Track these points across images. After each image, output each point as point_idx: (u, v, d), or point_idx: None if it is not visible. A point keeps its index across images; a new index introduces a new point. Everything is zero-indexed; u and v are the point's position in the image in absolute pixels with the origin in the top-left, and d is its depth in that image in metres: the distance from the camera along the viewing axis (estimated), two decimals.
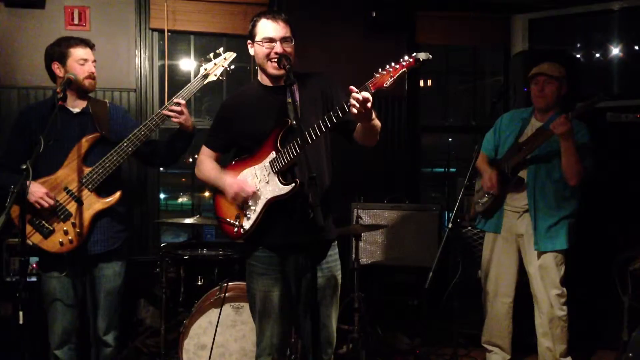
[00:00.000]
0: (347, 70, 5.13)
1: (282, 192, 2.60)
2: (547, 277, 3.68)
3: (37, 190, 2.87)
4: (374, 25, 5.26)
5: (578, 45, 5.36)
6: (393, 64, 2.36)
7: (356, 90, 2.38)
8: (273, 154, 2.63)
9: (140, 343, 4.25)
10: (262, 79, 2.76)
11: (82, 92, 3.06)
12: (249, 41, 2.73)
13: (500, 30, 5.51)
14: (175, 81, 5.27)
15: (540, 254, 3.69)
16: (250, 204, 2.67)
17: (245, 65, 5.32)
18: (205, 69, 3.13)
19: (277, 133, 2.63)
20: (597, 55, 5.31)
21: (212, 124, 2.91)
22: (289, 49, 2.63)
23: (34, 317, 2.90)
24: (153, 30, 4.99)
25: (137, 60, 4.93)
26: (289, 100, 2.58)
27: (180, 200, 8.34)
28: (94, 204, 2.98)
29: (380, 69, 2.41)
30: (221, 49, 3.16)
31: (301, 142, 2.42)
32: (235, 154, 2.85)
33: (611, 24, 5.23)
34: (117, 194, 3.05)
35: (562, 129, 3.43)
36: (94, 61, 3.07)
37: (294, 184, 2.58)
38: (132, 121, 3.30)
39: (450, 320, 3.73)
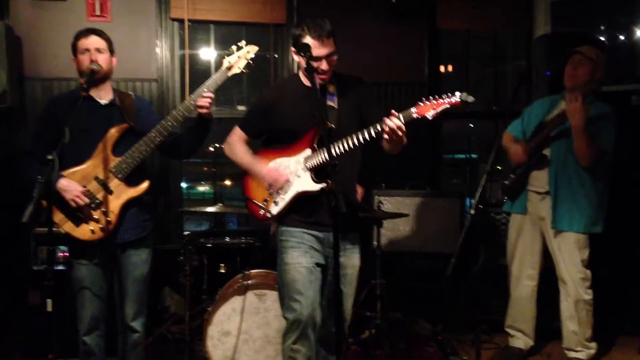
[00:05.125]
0: (368, 57, 5.12)
1: (313, 188, 2.76)
2: (569, 260, 3.67)
3: (73, 188, 2.92)
4: (394, 12, 5.23)
5: (602, 27, 5.27)
6: (438, 97, 2.49)
7: (397, 115, 2.52)
8: (308, 151, 2.78)
9: (166, 330, 4.31)
10: (304, 78, 2.87)
11: (93, 81, 3.02)
12: (292, 49, 2.79)
13: (522, 14, 5.44)
14: (195, 71, 5.30)
15: (560, 234, 3.68)
16: (280, 192, 2.81)
17: (264, 53, 5.33)
18: (229, 62, 3.10)
19: (315, 132, 2.76)
20: (622, 37, 5.22)
21: (250, 110, 3.07)
22: (333, 63, 2.76)
23: (63, 304, 2.96)
24: (173, 20, 5.01)
25: (158, 50, 4.97)
26: (330, 103, 2.77)
27: (201, 189, 8.39)
28: (123, 193, 3.02)
29: (424, 99, 2.53)
30: (243, 42, 3.13)
31: (335, 150, 2.60)
32: (266, 141, 2.98)
33: (635, 5, 5.13)
34: (146, 183, 3.09)
35: (575, 112, 3.45)
36: (98, 49, 3.02)
37: (324, 184, 2.73)
38: (156, 114, 3.34)
39: (472, 306, 3.73)
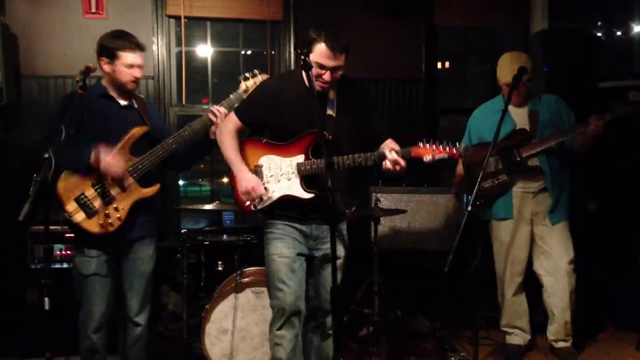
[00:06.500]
0: (366, 53, 5.11)
1: (302, 196, 2.81)
2: (564, 251, 3.77)
3: (114, 164, 2.96)
4: (391, 8, 5.22)
5: (599, 23, 5.27)
6: (438, 144, 2.59)
7: (397, 150, 2.65)
8: (301, 157, 2.80)
9: (164, 328, 4.31)
10: (306, 78, 2.74)
11: (124, 91, 3.16)
12: (303, 49, 2.72)
13: (519, 10, 5.43)
14: (192, 68, 5.29)
15: (554, 227, 3.79)
16: (268, 188, 2.84)
17: (261, 50, 5.33)
18: (247, 86, 3.24)
19: (311, 140, 2.77)
20: (618, 33, 5.23)
21: (249, 98, 3.01)
22: (337, 77, 2.74)
23: (60, 303, 2.96)
24: (169, 17, 5.00)
25: (155, 47, 4.95)
26: (329, 112, 2.77)
27: (199, 186, 8.39)
28: (135, 192, 3.08)
29: (425, 140, 2.63)
30: (257, 70, 3.27)
31: (330, 166, 2.54)
32: (259, 131, 2.97)
33: (632, 1, 5.13)
34: (157, 186, 3.15)
35: (600, 131, 3.52)
36: (140, 65, 3.14)
37: (313, 195, 2.78)
38: (162, 117, 3.44)
39: (469, 302, 3.73)
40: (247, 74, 3.26)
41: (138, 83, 3.18)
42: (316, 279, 2.94)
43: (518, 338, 3.97)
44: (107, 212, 3.01)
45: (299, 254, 2.87)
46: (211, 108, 3.18)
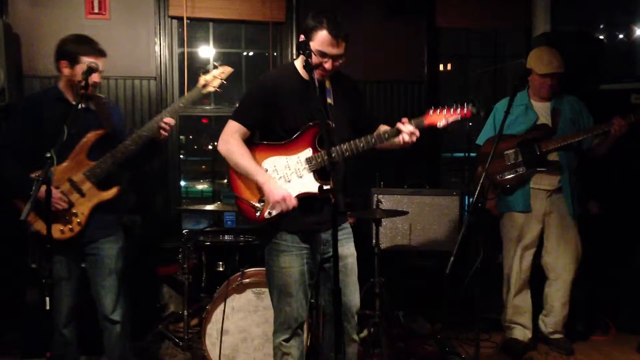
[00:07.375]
0: (367, 55, 5.11)
1: (318, 190, 2.67)
2: (575, 247, 3.87)
3: (53, 194, 2.93)
4: (393, 10, 5.22)
5: (601, 26, 5.27)
6: (449, 108, 2.56)
7: (408, 121, 2.62)
8: (309, 151, 2.71)
9: (164, 328, 4.31)
10: (302, 70, 2.73)
11: (78, 93, 3.10)
12: (302, 36, 2.68)
13: (521, 12, 5.43)
14: (194, 68, 5.29)
15: (568, 224, 3.87)
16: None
17: (263, 51, 5.32)
18: (205, 80, 3.20)
19: (316, 132, 2.69)
20: (621, 36, 5.23)
21: (246, 99, 2.83)
22: (337, 65, 2.69)
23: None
24: (172, 17, 5.01)
25: (157, 48, 4.96)
26: (328, 100, 2.70)
27: (200, 187, 8.40)
28: (94, 196, 3.10)
29: (434, 107, 2.58)
30: (219, 62, 3.24)
31: (344, 153, 2.54)
32: (261, 136, 2.81)
33: (635, 4, 5.13)
34: (115, 189, 3.16)
35: (624, 132, 3.62)
36: (100, 71, 3.11)
37: (329, 185, 2.62)
38: (123, 118, 3.45)
39: (471, 305, 3.73)
40: (207, 67, 3.21)
41: (96, 87, 3.16)
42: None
43: (518, 332, 4.01)
44: (66, 218, 3.04)
45: (309, 265, 2.77)
46: (161, 124, 3.10)
